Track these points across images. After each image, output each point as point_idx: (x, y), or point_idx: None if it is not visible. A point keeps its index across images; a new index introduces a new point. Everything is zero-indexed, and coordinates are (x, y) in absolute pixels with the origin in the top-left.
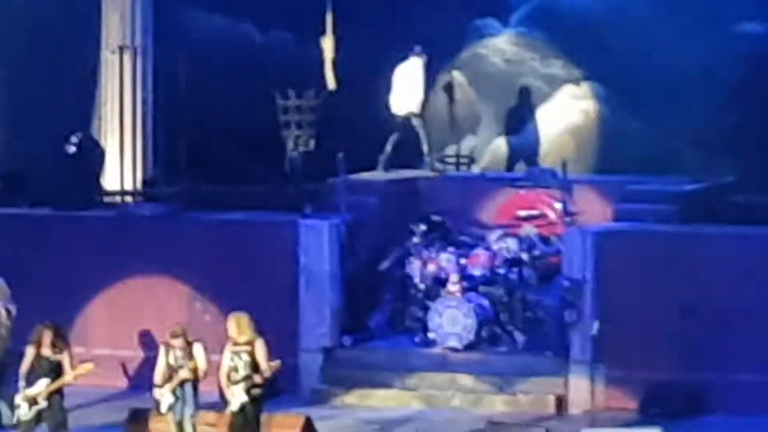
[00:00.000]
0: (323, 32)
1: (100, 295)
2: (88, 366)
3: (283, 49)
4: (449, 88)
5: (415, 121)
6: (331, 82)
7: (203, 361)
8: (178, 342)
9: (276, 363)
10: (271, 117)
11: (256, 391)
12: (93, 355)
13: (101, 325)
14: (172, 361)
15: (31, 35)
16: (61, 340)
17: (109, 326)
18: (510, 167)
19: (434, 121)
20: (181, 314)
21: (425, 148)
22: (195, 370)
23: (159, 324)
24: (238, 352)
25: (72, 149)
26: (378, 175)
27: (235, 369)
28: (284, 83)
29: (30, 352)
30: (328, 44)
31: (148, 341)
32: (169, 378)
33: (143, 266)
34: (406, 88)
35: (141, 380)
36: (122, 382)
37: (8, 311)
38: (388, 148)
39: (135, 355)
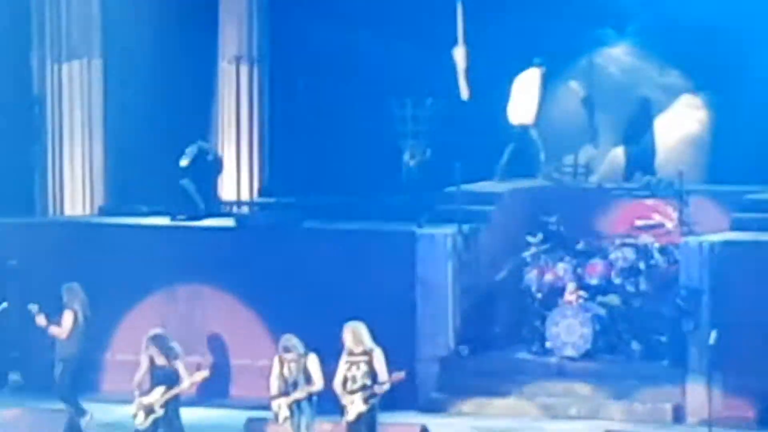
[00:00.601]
0: (455, 42)
1: (217, 304)
2: (204, 373)
3: (400, 59)
4: (585, 99)
5: (532, 132)
6: (464, 92)
7: (319, 374)
8: (291, 355)
9: (400, 374)
10: (388, 126)
11: (373, 401)
12: (210, 364)
13: (220, 334)
14: (286, 373)
15: (149, 45)
16: (173, 349)
17: (228, 335)
18: (627, 177)
19: (551, 131)
20: (297, 324)
21: (542, 157)
22: (309, 392)
23: (275, 333)
24: (355, 362)
25: (186, 161)
26: (494, 185)
27: (353, 379)
28: (401, 93)
29: (143, 361)
30: (460, 55)
31: (267, 350)
32: (284, 391)
33: (260, 276)
34: (524, 98)
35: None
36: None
37: (85, 316)
38: (505, 158)
39: (252, 364)
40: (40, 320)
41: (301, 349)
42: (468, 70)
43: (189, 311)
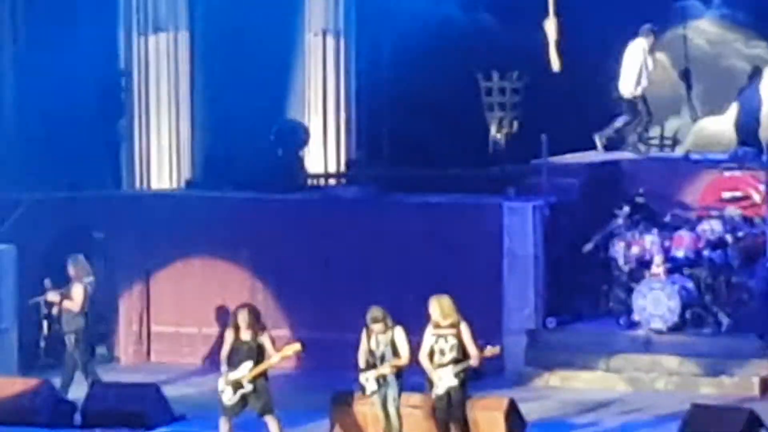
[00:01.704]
0: (546, 14)
1: (303, 278)
2: (296, 346)
3: (486, 31)
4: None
5: (638, 103)
6: (555, 64)
7: (405, 347)
8: (378, 327)
9: (495, 348)
10: (474, 99)
11: (463, 375)
12: (299, 338)
13: (304, 307)
14: (373, 346)
15: (235, 18)
16: (258, 323)
17: (314, 309)
18: (714, 149)
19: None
20: (384, 297)
21: (637, 129)
22: (397, 366)
23: (363, 306)
24: (443, 335)
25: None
26: (582, 156)
27: (441, 352)
28: (488, 65)
29: (229, 336)
30: (551, 26)
31: (354, 324)
32: (372, 364)
33: (346, 249)
34: (628, 68)
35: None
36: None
37: (92, 288)
38: (616, 126)
39: (339, 337)
40: (53, 296)
41: (388, 321)
42: (559, 42)
43: (275, 285)
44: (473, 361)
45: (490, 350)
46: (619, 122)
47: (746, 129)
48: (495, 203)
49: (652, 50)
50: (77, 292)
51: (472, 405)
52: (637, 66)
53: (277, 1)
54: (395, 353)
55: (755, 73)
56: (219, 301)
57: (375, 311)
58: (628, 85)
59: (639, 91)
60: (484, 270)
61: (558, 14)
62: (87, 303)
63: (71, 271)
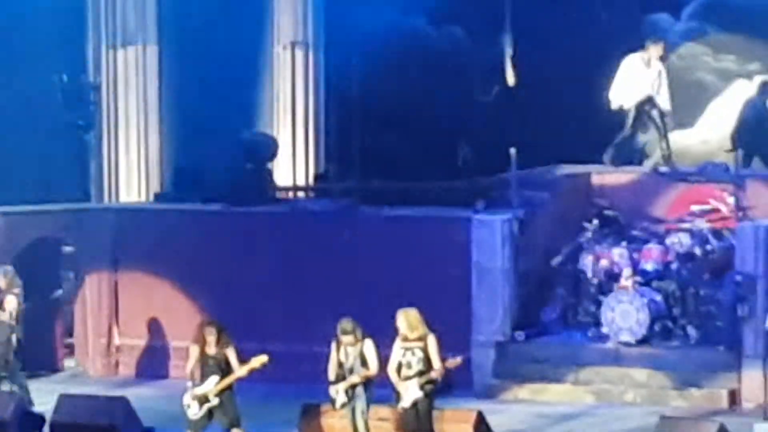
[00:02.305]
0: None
1: (272, 291)
2: (262, 358)
3: (455, 44)
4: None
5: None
6: (510, 79)
7: (374, 359)
8: (348, 339)
9: (457, 360)
10: (443, 111)
11: (429, 387)
12: (267, 350)
13: (272, 320)
14: (343, 358)
15: (204, 31)
16: (224, 337)
17: (283, 321)
18: (682, 162)
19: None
20: (352, 309)
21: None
22: (366, 376)
23: (332, 319)
24: (410, 348)
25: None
26: (551, 169)
27: (408, 365)
28: (456, 78)
29: (194, 351)
30: (507, 41)
31: (323, 336)
32: (341, 376)
33: (315, 262)
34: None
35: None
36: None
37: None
38: (619, 139)
39: (307, 349)
40: None
41: (358, 333)
42: (514, 57)
43: (244, 297)
44: (434, 373)
45: (452, 362)
46: (621, 136)
47: (714, 142)
48: (464, 216)
49: (648, 63)
50: (10, 302)
51: (441, 417)
52: (626, 80)
53: (246, 15)
54: (364, 365)
55: (724, 87)
56: (188, 313)
57: (345, 323)
58: (617, 98)
59: (627, 105)
60: (453, 283)
61: (512, 29)
62: (20, 313)
63: (2, 282)
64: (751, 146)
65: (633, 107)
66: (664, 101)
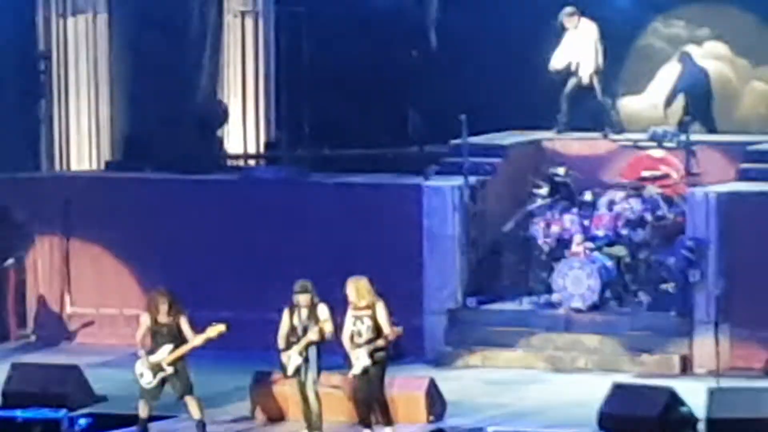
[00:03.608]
0: None
1: (222, 258)
2: (220, 327)
3: (405, 9)
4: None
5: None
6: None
7: (329, 321)
8: (304, 298)
9: (398, 329)
10: (394, 78)
11: (379, 355)
12: (218, 318)
13: (223, 287)
14: (296, 322)
15: (154, 1)
16: (176, 305)
17: (234, 289)
18: (633, 128)
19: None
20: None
21: (609, 110)
22: (321, 332)
23: (282, 287)
24: (360, 317)
25: None
26: (502, 136)
27: (358, 333)
28: (406, 43)
29: (145, 319)
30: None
31: (273, 304)
32: (292, 344)
33: (266, 229)
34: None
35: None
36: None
37: None
38: (564, 109)
39: (258, 317)
40: None
41: (315, 296)
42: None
43: (195, 265)
44: (381, 341)
45: (395, 331)
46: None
47: (665, 108)
48: (415, 183)
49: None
50: None
51: (392, 385)
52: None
53: None
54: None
55: (673, 53)
56: (138, 282)
57: (303, 282)
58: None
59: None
60: (405, 250)
61: None
62: None
63: None
64: (690, 112)
65: (564, 71)
66: (585, 65)
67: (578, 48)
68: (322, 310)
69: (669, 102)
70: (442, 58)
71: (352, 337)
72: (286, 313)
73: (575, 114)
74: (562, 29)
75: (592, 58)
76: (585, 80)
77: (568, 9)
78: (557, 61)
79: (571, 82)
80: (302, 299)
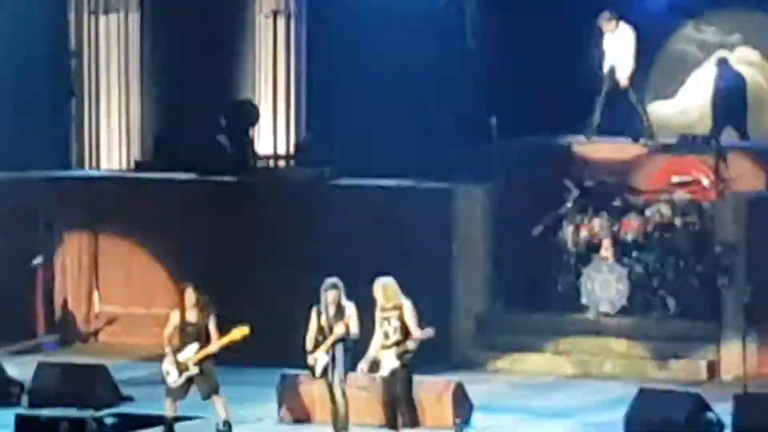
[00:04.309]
0: None
1: (250, 259)
2: (244, 330)
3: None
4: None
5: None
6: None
7: (355, 319)
8: (332, 295)
9: (429, 330)
10: (422, 82)
11: (407, 357)
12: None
13: (251, 289)
14: (323, 322)
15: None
16: (206, 305)
17: (261, 290)
18: (663, 133)
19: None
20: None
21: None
22: (347, 327)
23: (311, 289)
24: (387, 318)
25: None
26: (534, 140)
27: (386, 335)
28: (440, 48)
29: (174, 316)
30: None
31: (300, 306)
32: (321, 340)
33: (296, 231)
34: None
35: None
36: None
37: None
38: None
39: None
40: None
41: (343, 294)
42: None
43: (225, 266)
44: (410, 343)
45: (425, 332)
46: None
47: (696, 113)
48: (445, 187)
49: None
50: None
51: (420, 387)
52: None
53: None
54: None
55: (704, 58)
56: (168, 282)
57: (332, 279)
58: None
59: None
60: (434, 253)
61: None
62: None
63: None
64: (724, 118)
65: (604, 77)
66: (622, 69)
67: (616, 52)
68: (349, 308)
69: (705, 107)
70: (475, 59)
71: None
72: (313, 315)
73: (607, 118)
74: (600, 34)
75: (629, 62)
76: (622, 84)
77: (607, 14)
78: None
79: (607, 86)
80: (330, 296)
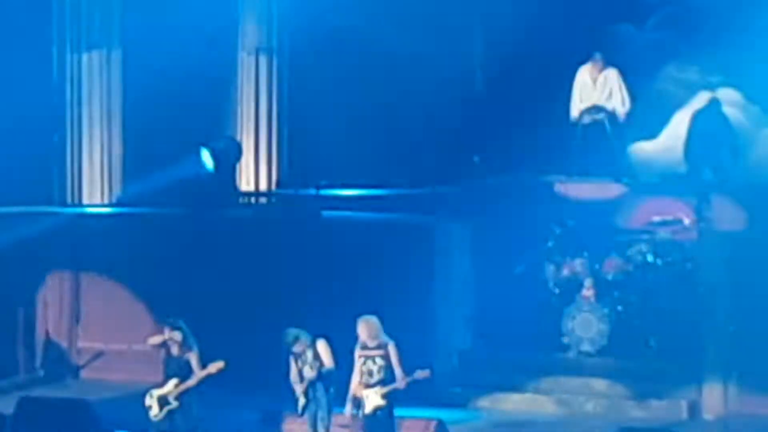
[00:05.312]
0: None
1: (233, 296)
2: (219, 364)
3: (419, 52)
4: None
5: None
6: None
7: (328, 356)
8: (298, 347)
9: (425, 372)
10: (407, 117)
11: (391, 396)
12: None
13: (234, 326)
14: (301, 365)
15: (168, 36)
16: (187, 340)
17: (244, 327)
18: (645, 172)
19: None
20: (315, 316)
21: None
22: (320, 366)
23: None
24: (371, 357)
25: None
26: (513, 178)
27: (369, 373)
28: (419, 82)
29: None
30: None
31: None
32: (301, 382)
33: (276, 267)
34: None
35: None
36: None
37: None
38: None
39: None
40: None
41: (303, 338)
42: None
43: (206, 301)
44: (400, 383)
45: (420, 373)
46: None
47: (678, 154)
48: (426, 223)
49: (595, 74)
50: None
51: (401, 426)
52: (575, 91)
53: (211, 20)
54: (320, 365)
55: (687, 98)
56: (148, 318)
57: (286, 336)
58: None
59: (576, 115)
60: (416, 290)
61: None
62: None
63: None
64: (704, 159)
65: (581, 117)
66: (617, 106)
67: (603, 92)
68: (321, 347)
69: (687, 146)
70: (455, 98)
71: (361, 377)
72: (292, 361)
73: (589, 158)
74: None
75: (624, 100)
76: (606, 125)
77: (598, 55)
78: (576, 107)
79: (590, 126)
80: (297, 348)
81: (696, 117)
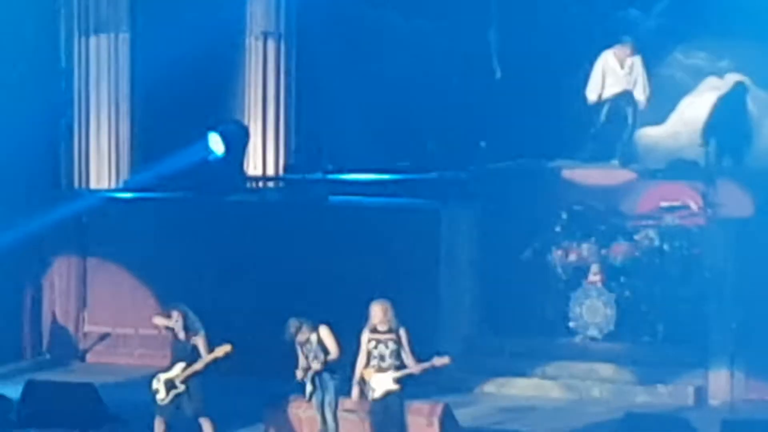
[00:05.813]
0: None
1: (239, 280)
2: (226, 348)
3: (426, 36)
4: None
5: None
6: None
7: (333, 344)
8: (301, 336)
9: (444, 358)
10: (408, 102)
11: (403, 381)
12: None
13: (241, 310)
14: (307, 352)
15: (176, 20)
16: (193, 324)
17: (251, 311)
18: (653, 158)
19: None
20: (320, 300)
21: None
22: (326, 356)
23: (300, 310)
24: (382, 341)
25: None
26: (522, 163)
27: (381, 357)
28: (428, 69)
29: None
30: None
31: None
32: (308, 369)
33: (283, 251)
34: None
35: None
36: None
37: None
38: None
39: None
40: None
41: (306, 327)
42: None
43: (213, 285)
44: (415, 369)
45: (438, 360)
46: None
47: (684, 139)
48: (432, 208)
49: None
50: None
51: (407, 410)
52: (597, 74)
53: (219, 4)
54: (326, 352)
55: (694, 83)
56: (155, 301)
57: (288, 327)
58: (593, 92)
59: (604, 97)
60: (421, 275)
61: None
62: None
63: None
64: (723, 143)
65: (608, 101)
66: (639, 94)
67: (628, 78)
68: (324, 334)
69: (695, 132)
70: (463, 84)
71: (369, 361)
72: (298, 350)
73: (604, 143)
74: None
75: (647, 86)
76: (628, 111)
77: (626, 39)
78: (596, 91)
79: (612, 111)
80: (301, 337)
81: (721, 101)
